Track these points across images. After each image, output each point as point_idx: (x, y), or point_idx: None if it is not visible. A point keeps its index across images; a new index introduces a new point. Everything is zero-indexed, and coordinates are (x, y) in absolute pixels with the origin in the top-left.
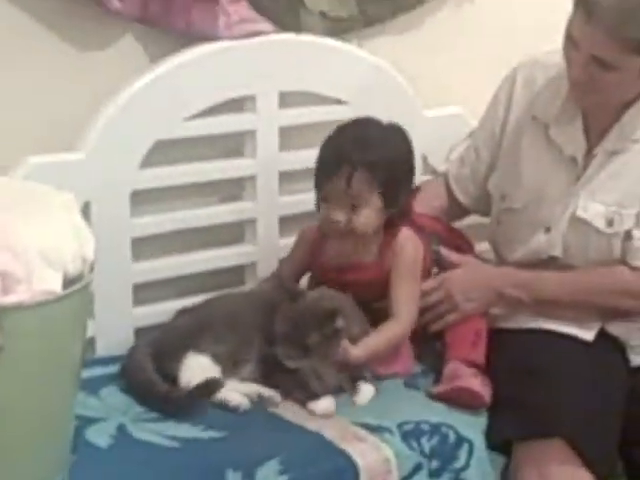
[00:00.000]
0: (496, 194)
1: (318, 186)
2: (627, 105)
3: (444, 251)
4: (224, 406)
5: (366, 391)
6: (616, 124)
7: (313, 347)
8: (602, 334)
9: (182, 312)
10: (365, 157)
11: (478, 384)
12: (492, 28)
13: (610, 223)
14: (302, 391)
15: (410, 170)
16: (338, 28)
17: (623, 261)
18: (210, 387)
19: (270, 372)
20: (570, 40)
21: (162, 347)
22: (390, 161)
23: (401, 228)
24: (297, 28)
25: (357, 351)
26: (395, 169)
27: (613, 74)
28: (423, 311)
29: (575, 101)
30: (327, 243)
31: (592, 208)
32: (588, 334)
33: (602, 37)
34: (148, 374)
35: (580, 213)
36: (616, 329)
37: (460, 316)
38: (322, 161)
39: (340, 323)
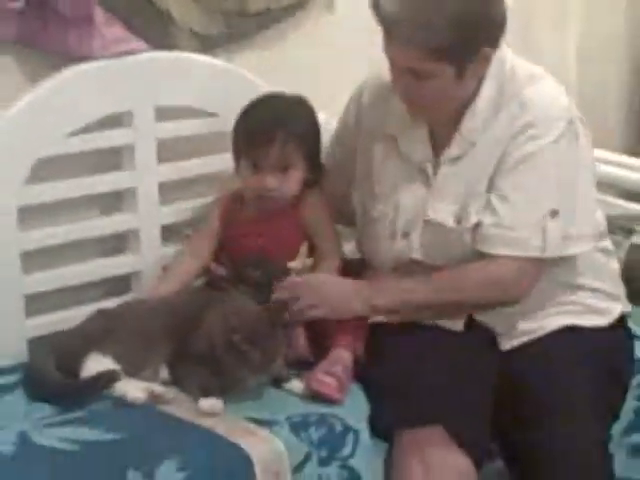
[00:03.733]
0: (358, 208)
1: (247, 154)
2: (462, 112)
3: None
4: (122, 400)
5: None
6: (456, 132)
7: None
8: (472, 323)
9: (100, 313)
10: (296, 126)
11: (333, 387)
12: (351, 37)
13: (459, 220)
14: (199, 390)
15: (320, 136)
16: (207, 44)
17: (480, 254)
18: (106, 378)
19: (176, 373)
20: (388, 58)
21: (65, 347)
22: (312, 130)
23: (311, 191)
24: (169, 46)
25: None
26: (316, 137)
27: (431, 82)
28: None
29: (412, 116)
30: (241, 208)
31: (441, 209)
32: (457, 324)
33: (406, 50)
34: (46, 371)
35: (431, 215)
36: (483, 317)
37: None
38: (253, 130)
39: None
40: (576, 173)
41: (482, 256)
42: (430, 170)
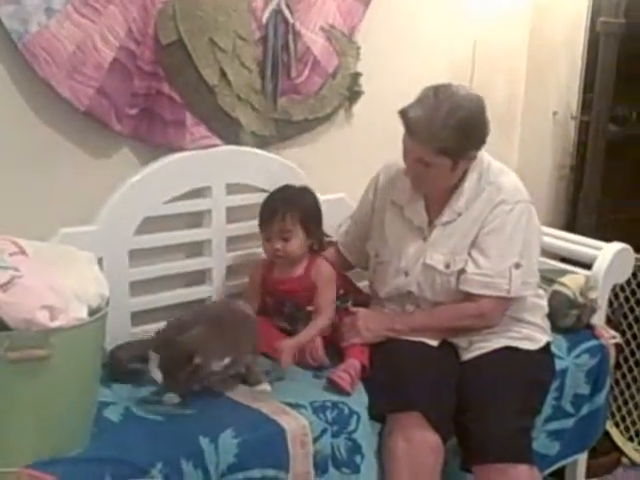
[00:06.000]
0: (372, 253)
1: (263, 229)
2: (452, 190)
3: (351, 308)
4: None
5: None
6: (447, 204)
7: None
8: (444, 342)
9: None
10: (289, 205)
11: (347, 382)
12: (363, 141)
13: (448, 266)
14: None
15: (319, 213)
16: (263, 142)
17: (464, 295)
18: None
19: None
20: (403, 147)
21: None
22: (310, 209)
23: (319, 255)
24: (236, 142)
25: (292, 342)
26: (309, 211)
27: (433, 169)
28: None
29: (414, 190)
30: (273, 269)
31: (435, 257)
32: (434, 342)
33: (420, 147)
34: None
35: (428, 261)
36: (452, 339)
37: (360, 340)
38: (264, 212)
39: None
40: (532, 238)
41: (464, 294)
42: (426, 230)
